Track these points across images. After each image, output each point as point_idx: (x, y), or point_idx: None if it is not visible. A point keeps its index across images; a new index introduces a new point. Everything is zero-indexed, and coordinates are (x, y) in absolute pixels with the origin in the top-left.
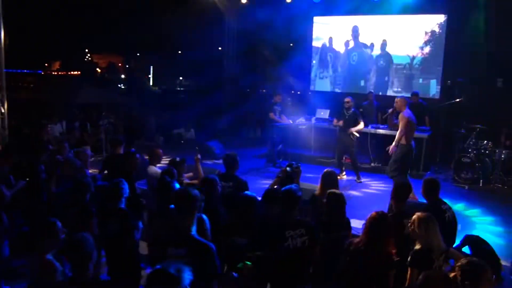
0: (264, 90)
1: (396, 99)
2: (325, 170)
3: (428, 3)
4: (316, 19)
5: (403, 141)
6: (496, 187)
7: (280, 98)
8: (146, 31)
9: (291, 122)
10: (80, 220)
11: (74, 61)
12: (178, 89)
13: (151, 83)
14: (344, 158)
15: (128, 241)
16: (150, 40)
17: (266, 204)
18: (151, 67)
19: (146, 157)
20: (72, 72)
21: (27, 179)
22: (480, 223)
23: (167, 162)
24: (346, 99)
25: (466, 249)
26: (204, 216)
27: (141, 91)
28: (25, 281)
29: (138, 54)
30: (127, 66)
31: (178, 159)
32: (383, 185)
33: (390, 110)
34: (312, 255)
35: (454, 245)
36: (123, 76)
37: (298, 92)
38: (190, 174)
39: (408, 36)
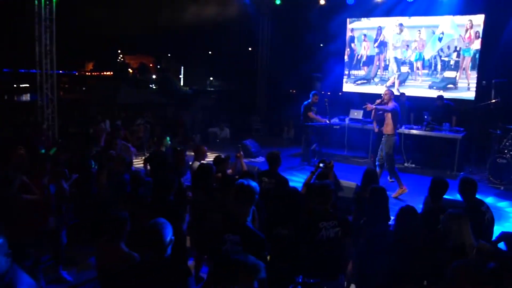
0: (294, 91)
1: (384, 92)
2: (367, 168)
3: (466, 4)
4: (350, 20)
5: (390, 132)
6: None
7: (317, 98)
8: (177, 32)
9: (328, 122)
10: (136, 211)
11: (107, 62)
12: (209, 89)
13: (181, 83)
14: None
15: (178, 232)
16: (181, 41)
17: (307, 198)
18: (182, 67)
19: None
20: (104, 73)
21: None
22: None
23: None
24: (385, 91)
25: (501, 246)
26: (254, 207)
27: (173, 91)
28: (82, 268)
29: (169, 55)
30: (158, 66)
31: (223, 156)
32: (415, 183)
33: (377, 101)
34: (345, 246)
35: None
36: (154, 76)
37: (328, 93)
38: (230, 170)
39: (443, 37)
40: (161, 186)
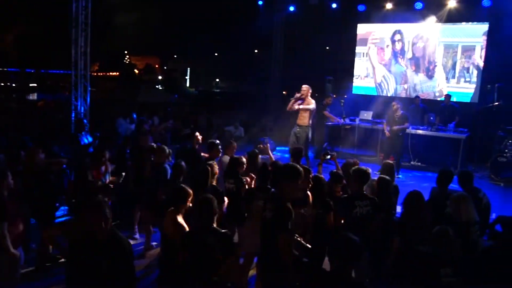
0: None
1: (303, 87)
2: (386, 161)
3: (471, 12)
4: (360, 25)
5: (308, 123)
6: None
7: (330, 100)
8: (183, 33)
9: (343, 120)
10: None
11: (112, 63)
12: (215, 90)
13: (187, 84)
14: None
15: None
16: (188, 42)
17: (331, 183)
18: (188, 68)
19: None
20: (111, 73)
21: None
22: None
23: None
24: (393, 103)
25: (498, 227)
26: None
27: (179, 92)
28: None
29: (175, 56)
30: (164, 67)
31: (257, 151)
32: (421, 180)
33: (297, 95)
34: (373, 224)
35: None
36: (160, 77)
37: (334, 96)
38: None
39: (449, 43)
40: (202, 174)
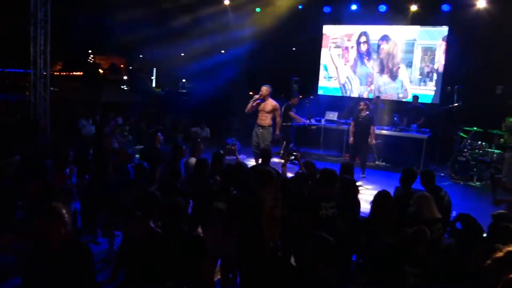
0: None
1: (262, 87)
2: (344, 161)
3: (431, 16)
4: (326, 27)
5: (269, 124)
6: (488, 183)
7: (296, 100)
8: (149, 32)
9: (309, 121)
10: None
11: (76, 62)
12: (182, 91)
13: (154, 85)
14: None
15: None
16: (153, 41)
17: (297, 183)
18: (154, 69)
19: None
20: (74, 73)
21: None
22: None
23: None
24: (360, 103)
25: (458, 225)
26: None
27: (145, 92)
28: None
29: (141, 56)
30: (130, 67)
31: (221, 151)
32: (385, 179)
33: (256, 96)
34: (338, 225)
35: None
36: (125, 77)
37: (300, 96)
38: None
39: (412, 45)
40: (171, 176)
